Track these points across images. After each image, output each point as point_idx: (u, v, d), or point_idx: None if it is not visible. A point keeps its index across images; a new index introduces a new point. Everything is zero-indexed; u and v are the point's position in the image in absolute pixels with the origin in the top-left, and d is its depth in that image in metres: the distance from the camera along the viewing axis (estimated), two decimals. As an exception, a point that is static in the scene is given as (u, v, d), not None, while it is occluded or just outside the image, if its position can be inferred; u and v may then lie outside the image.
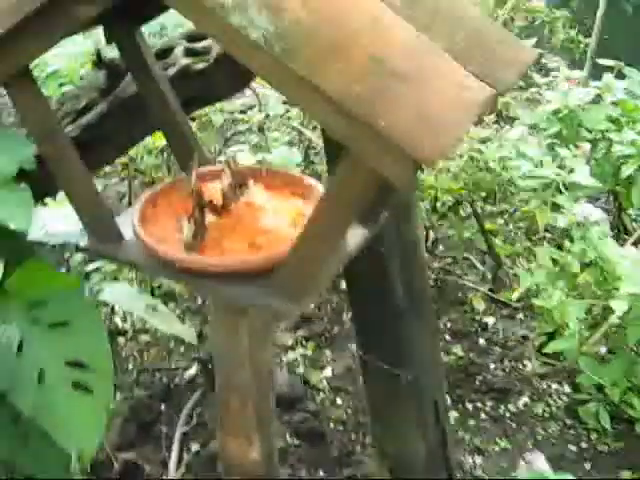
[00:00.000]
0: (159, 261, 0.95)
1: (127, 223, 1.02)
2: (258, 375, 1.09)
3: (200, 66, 1.18)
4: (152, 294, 1.55)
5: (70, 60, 2.13)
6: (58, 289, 1.06)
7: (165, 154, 2.26)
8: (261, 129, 2.11)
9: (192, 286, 0.98)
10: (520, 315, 2.09)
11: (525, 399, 1.82)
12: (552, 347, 1.58)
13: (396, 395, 1.39)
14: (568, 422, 1.76)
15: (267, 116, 2.44)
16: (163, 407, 1.72)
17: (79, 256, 1.79)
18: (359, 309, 1.39)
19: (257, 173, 1.11)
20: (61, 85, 2.04)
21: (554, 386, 1.85)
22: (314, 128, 2.39)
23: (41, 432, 1.05)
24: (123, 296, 1.45)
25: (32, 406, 1.01)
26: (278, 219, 1.03)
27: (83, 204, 1.01)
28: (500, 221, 1.97)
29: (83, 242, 1.03)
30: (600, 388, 1.67)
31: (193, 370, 1.82)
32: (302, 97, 0.72)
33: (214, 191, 1.08)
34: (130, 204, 2.44)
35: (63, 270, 2.16)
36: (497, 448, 1.69)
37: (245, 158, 2.12)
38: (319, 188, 1.07)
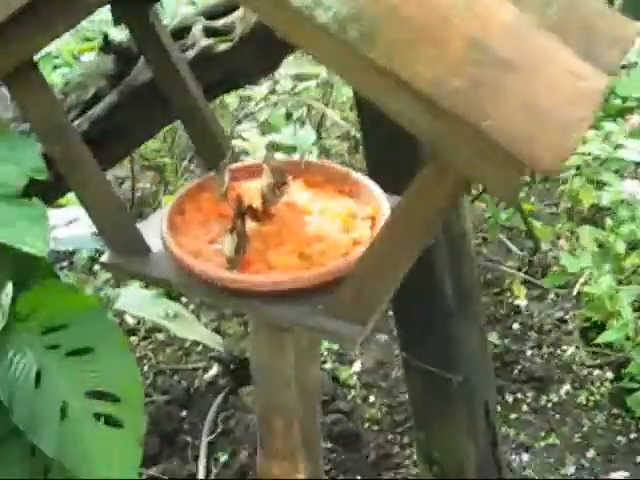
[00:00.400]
0: (195, 278, 0.83)
1: (151, 233, 0.90)
2: (305, 394, 0.99)
3: (223, 47, 1.04)
4: (169, 296, 1.42)
5: (63, 38, 1.98)
6: (77, 311, 0.93)
7: (169, 138, 2.12)
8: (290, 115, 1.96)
9: (235, 306, 0.86)
10: (551, 295, 1.98)
11: (567, 387, 1.71)
12: (604, 338, 1.47)
13: (444, 398, 1.29)
14: (614, 411, 1.66)
15: (274, 91, 2.29)
16: (184, 414, 1.61)
17: (84, 252, 1.67)
18: (403, 307, 1.27)
19: (294, 167, 0.98)
20: (55, 68, 1.90)
21: (596, 372, 1.74)
22: (327, 104, 2.25)
23: (62, 466, 0.94)
24: (137, 302, 1.32)
25: (56, 445, 0.90)
26: (326, 223, 0.90)
27: (100, 211, 0.88)
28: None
29: (103, 257, 0.90)
30: (651, 375, 1.57)
31: (213, 370, 1.70)
32: (381, 90, 0.59)
33: (250, 192, 0.95)
34: (133, 189, 2.30)
35: (64, 265, 2.04)
36: (543, 443, 1.59)
37: (254, 138, 1.99)
38: (369, 185, 0.94)
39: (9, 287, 0.93)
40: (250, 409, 1.60)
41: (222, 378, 1.69)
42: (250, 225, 0.87)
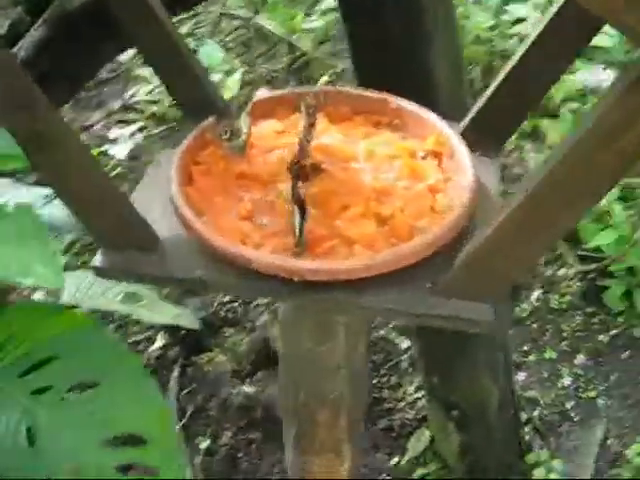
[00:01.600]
0: (241, 272, 0.60)
1: (149, 213, 0.66)
2: (354, 381, 0.82)
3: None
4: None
5: None
6: (65, 335, 0.69)
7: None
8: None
9: (313, 302, 0.64)
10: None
11: (537, 293, 1.62)
12: (598, 241, 1.36)
13: (463, 337, 1.14)
14: (589, 310, 1.58)
15: None
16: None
17: None
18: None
19: (315, 99, 0.75)
20: None
21: (561, 272, 1.66)
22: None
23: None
24: (85, 289, 1.06)
25: (72, 519, 0.67)
26: (383, 170, 0.69)
27: (86, 198, 0.62)
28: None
29: (95, 260, 0.65)
30: (631, 270, 1.49)
31: (159, 342, 1.46)
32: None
33: (265, 139, 0.72)
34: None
35: None
36: (532, 357, 1.49)
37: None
38: (419, 111, 0.73)
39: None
40: (215, 380, 1.39)
41: (171, 349, 1.45)
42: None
